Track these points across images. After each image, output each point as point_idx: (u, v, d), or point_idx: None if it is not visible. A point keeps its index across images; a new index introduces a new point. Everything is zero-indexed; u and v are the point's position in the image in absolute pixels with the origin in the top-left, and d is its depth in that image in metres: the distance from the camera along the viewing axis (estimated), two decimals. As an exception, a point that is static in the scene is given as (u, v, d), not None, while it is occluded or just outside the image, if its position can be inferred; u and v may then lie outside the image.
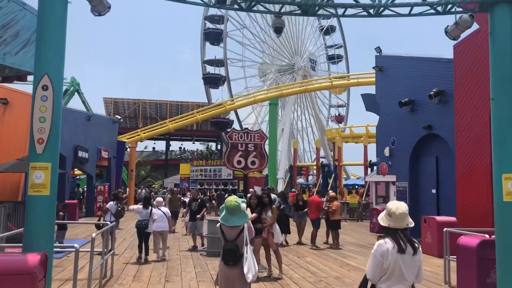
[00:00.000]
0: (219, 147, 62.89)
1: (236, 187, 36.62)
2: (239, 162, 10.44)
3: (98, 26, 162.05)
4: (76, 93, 50.56)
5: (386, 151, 18.09)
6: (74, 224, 20.82)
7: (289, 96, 42.70)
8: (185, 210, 15.32)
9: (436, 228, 12.84)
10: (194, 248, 13.01)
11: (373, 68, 19.04)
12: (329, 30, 60.09)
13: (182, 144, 66.78)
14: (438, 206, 15.76)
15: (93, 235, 7.41)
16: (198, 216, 12.85)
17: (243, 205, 5.33)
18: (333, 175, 31.79)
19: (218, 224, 5.37)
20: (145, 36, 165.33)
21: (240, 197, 6.07)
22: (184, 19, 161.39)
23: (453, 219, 13.05)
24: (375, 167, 32.07)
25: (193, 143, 64.59)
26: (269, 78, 52.02)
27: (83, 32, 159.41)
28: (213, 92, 50.42)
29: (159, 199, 12.41)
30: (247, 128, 11.43)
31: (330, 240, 14.84)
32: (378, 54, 19.05)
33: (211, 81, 48.85)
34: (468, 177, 13.51)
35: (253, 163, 10.51)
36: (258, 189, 29.09)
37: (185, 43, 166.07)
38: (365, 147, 30.65)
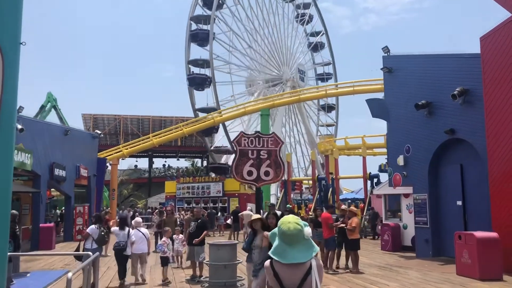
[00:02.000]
0: (205, 163, 60.63)
1: (226, 205, 34.52)
2: (250, 173, 8.46)
3: (77, 41, 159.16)
4: (53, 110, 48.11)
5: (400, 160, 16.34)
6: (50, 251, 18.47)
7: (280, 107, 41.04)
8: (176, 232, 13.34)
9: (475, 245, 11.04)
10: (193, 278, 10.91)
11: (381, 69, 17.39)
12: (317, 47, 59.53)
13: (165, 161, 64.32)
14: (465, 220, 14.01)
15: (69, 275, 5.32)
16: (195, 240, 10.71)
17: (308, 230, 3.24)
18: (330, 189, 30.00)
19: (268, 262, 3.24)
20: (125, 53, 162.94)
21: (291, 212, 3.87)
22: (164, 36, 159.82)
23: (494, 234, 11.28)
24: (375, 179, 30.59)
25: (178, 159, 62.19)
26: (256, 89, 50.38)
27: (60, 46, 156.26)
28: (198, 97, 48.85)
29: (138, 219, 11.76)
30: (258, 132, 9.43)
31: (345, 262, 12.93)
32: (386, 54, 17.44)
33: (197, 82, 46.96)
34: (504, 186, 11.80)
35: (267, 173, 8.53)
36: (252, 207, 27.20)
37: (166, 61, 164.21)
38: (364, 159, 29.01)
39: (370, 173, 29.49)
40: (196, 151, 60.72)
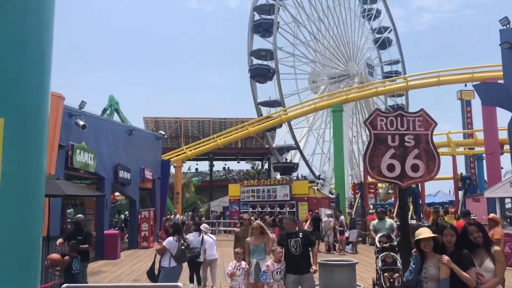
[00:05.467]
0: (266, 166, 58.47)
1: (294, 210, 32.04)
2: (390, 168, 5.96)
3: (136, 46, 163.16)
4: (115, 113, 47.85)
5: (532, 155, 13.13)
6: (116, 261, 16.79)
7: (348, 105, 37.98)
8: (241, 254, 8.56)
9: None
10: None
11: (500, 45, 14.25)
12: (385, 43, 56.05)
13: (225, 164, 62.80)
14: None
15: None
16: (312, 269, 7.18)
17: None
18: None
19: None
20: (180, 59, 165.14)
21: None
22: (213, 43, 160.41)
23: None
24: (467, 181, 27.03)
25: (238, 162, 60.40)
26: (321, 85, 47.71)
27: (121, 53, 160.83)
28: (260, 91, 47.20)
29: (206, 225, 11.56)
30: (400, 109, 6.90)
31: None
32: (505, 27, 14.31)
33: (259, 74, 45.14)
34: None
35: (415, 168, 6.01)
36: (326, 212, 24.50)
37: (216, 67, 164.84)
38: (454, 158, 25.57)
39: (461, 173, 25.97)
40: (257, 153, 58.69)
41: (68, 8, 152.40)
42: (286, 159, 47.36)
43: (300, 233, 7.57)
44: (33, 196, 1.96)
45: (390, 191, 42.59)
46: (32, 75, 1.94)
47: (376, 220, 11.71)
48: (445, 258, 4.64)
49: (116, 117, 46.81)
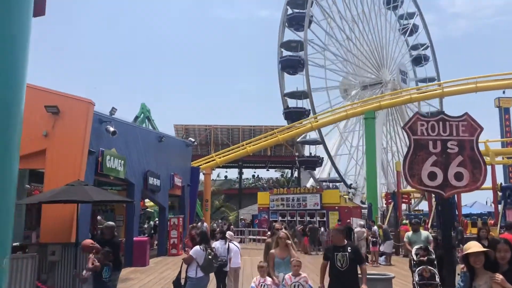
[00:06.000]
0: (295, 174, 57.98)
1: (325, 219, 31.43)
2: (432, 176, 5.57)
3: (167, 55, 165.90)
4: (146, 121, 48.45)
5: None
6: (144, 268, 16.71)
7: (380, 113, 37.15)
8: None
9: None
10: None
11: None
12: (421, 59, 55.10)
13: (255, 172, 62.70)
14: None
15: None
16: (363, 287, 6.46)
17: None
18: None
19: None
20: (210, 66, 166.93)
21: None
22: (245, 53, 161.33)
23: None
24: (508, 192, 25.85)
25: (267, 170, 60.13)
26: (352, 92, 47.10)
27: (153, 61, 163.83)
28: (288, 82, 47.49)
29: (231, 232, 11.35)
30: (443, 113, 6.45)
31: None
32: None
33: (289, 65, 44.88)
34: None
35: (458, 176, 5.60)
36: (359, 222, 23.84)
37: (247, 74, 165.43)
38: (493, 167, 24.52)
39: (501, 183, 24.87)
40: (286, 161, 58.33)
41: (101, 17, 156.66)
42: (310, 153, 46.80)
43: (349, 248, 6.77)
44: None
45: (417, 208, 41.54)
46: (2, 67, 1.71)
47: (411, 232, 11.16)
48: (499, 276, 4.17)
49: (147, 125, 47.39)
